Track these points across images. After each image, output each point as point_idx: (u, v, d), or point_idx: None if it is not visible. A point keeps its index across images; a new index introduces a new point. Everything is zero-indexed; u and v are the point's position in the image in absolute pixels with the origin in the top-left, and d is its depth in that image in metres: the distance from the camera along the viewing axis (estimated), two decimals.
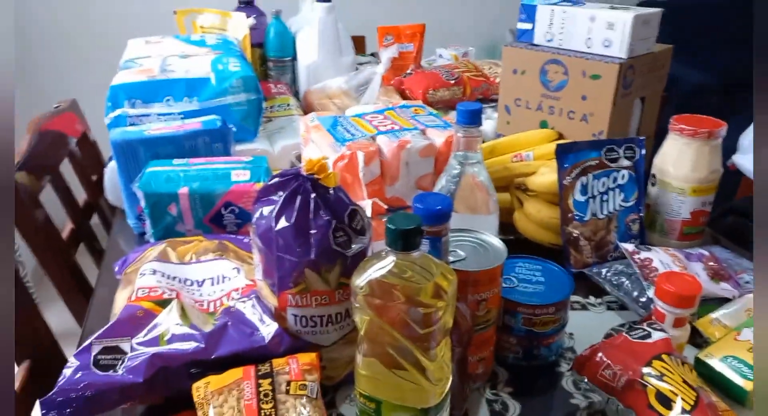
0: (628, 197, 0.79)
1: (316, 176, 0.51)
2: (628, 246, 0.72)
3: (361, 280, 0.41)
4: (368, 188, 0.76)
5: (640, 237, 0.79)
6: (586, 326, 0.66)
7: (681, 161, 0.78)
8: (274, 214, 0.51)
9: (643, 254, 0.70)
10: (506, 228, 0.88)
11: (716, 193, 0.80)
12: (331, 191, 0.52)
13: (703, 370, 0.58)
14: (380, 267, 0.41)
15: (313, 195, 0.51)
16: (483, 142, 0.95)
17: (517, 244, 0.85)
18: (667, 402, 0.47)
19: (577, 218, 0.76)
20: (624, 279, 0.70)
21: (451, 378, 0.45)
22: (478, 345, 0.55)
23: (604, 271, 0.73)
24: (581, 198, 0.77)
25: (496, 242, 0.56)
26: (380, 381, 0.43)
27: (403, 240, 0.41)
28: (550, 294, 0.58)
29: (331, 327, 0.52)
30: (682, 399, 0.47)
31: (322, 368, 0.52)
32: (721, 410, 0.47)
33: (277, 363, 0.47)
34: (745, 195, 0.92)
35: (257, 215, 0.52)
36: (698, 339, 0.64)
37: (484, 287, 0.53)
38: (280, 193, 0.52)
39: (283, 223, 0.50)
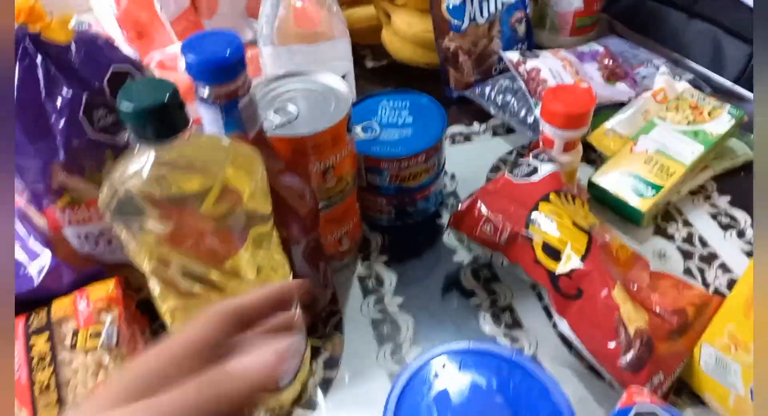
0: None
1: (35, 30, 0.33)
2: (513, 56, 0.60)
3: (105, 202, 0.28)
4: (176, 27, 0.56)
5: (527, 40, 0.67)
6: (470, 161, 0.57)
7: None
8: None
9: (530, 64, 0.58)
10: (376, 51, 0.73)
11: None
12: (73, 48, 0.35)
13: (597, 193, 0.51)
14: (130, 176, 0.27)
15: (39, 59, 0.33)
16: None
17: (391, 69, 0.71)
18: (555, 254, 0.40)
19: (453, 27, 0.62)
20: (510, 97, 0.59)
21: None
22: (334, 220, 0.44)
23: (487, 90, 0.61)
24: (456, 1, 0.61)
25: (339, 85, 0.42)
26: (185, 312, 0.32)
27: (153, 125, 0.26)
28: (418, 140, 0.46)
29: None
30: (572, 247, 0.39)
31: (139, 290, 0.41)
32: (614, 248, 0.41)
33: (58, 307, 0.35)
34: None
35: None
36: (592, 155, 0.56)
37: (327, 151, 0.40)
38: None
39: None
